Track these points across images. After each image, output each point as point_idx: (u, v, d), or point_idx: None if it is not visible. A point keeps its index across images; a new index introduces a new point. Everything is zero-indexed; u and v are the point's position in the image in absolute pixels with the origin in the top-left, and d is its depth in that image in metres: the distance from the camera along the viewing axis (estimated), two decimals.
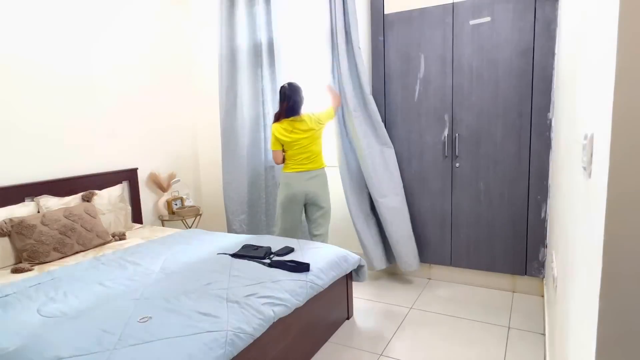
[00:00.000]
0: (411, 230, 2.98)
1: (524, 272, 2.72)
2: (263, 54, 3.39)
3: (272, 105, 3.39)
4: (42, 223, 2.45)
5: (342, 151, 3.08)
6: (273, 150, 2.92)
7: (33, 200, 2.68)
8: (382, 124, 2.94)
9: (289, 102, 2.84)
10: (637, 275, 0.62)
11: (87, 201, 2.87)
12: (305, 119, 2.85)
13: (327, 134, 3.11)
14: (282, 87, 2.89)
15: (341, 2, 2.90)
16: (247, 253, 2.32)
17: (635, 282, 0.62)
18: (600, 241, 0.65)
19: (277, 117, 2.90)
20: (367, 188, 3.06)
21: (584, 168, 0.86)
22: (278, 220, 3.06)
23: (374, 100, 2.94)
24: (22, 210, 2.54)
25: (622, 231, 0.62)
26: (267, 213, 3.59)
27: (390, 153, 2.97)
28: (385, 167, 2.97)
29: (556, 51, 2.43)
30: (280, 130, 2.85)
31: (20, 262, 2.40)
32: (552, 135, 2.50)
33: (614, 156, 0.62)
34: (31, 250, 2.37)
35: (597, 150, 0.75)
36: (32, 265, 2.34)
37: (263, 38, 3.38)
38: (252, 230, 3.62)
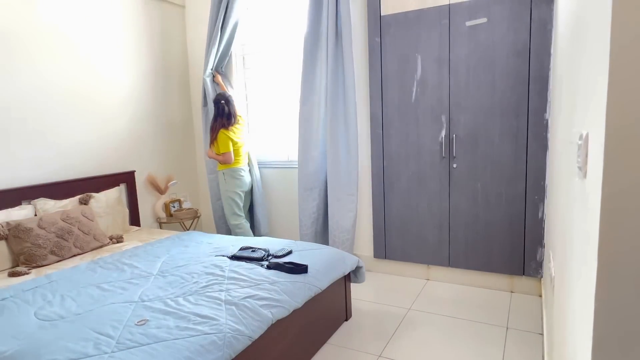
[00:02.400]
0: (352, 233, 3.17)
1: (522, 273, 2.73)
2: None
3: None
4: (39, 226, 2.45)
5: (305, 150, 3.22)
6: (227, 152, 3.29)
7: (30, 204, 2.67)
8: (355, 129, 3.05)
9: (231, 114, 3.31)
10: (632, 276, 0.62)
11: (85, 204, 2.86)
12: (241, 122, 3.46)
13: (291, 134, 3.58)
14: (220, 103, 3.28)
15: (334, 5, 2.92)
16: (245, 255, 2.32)
17: (630, 282, 0.63)
18: (595, 241, 0.65)
19: (223, 125, 3.29)
20: (319, 187, 3.24)
21: (580, 168, 0.86)
22: (239, 212, 3.45)
23: (355, 106, 3.02)
24: (19, 213, 2.54)
25: (616, 231, 0.63)
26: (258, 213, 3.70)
27: (354, 154, 3.08)
28: (347, 170, 3.11)
29: (552, 51, 2.44)
30: (232, 135, 3.33)
31: (17, 266, 2.39)
32: (549, 135, 2.50)
33: (608, 156, 0.62)
34: (28, 253, 2.37)
35: (592, 150, 0.75)
36: (30, 269, 2.33)
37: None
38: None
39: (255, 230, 3.67)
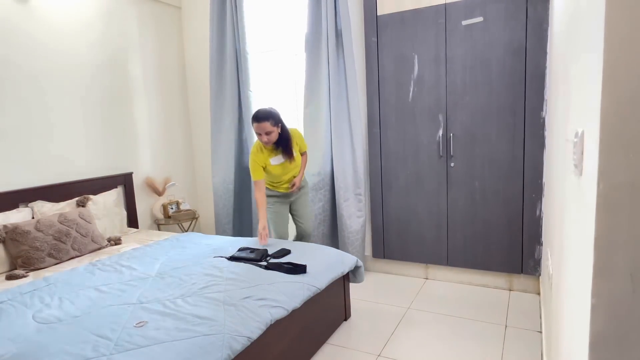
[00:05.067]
0: (363, 234, 3.14)
1: (520, 271, 2.73)
2: (250, 59, 3.45)
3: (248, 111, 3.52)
4: (37, 229, 2.44)
5: (310, 151, 3.20)
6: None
7: (27, 206, 2.66)
8: (361, 129, 3.04)
9: None
10: (628, 272, 0.63)
11: (82, 206, 2.85)
12: None
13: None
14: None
15: (333, 4, 2.93)
16: (243, 255, 2.32)
17: (626, 278, 0.63)
18: (591, 238, 0.66)
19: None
20: (324, 188, 3.22)
21: (576, 165, 0.86)
22: None
23: (358, 105, 3.01)
24: (16, 216, 2.53)
25: (612, 228, 0.63)
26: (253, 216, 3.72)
27: (361, 154, 3.07)
28: (353, 169, 3.10)
29: (548, 50, 2.45)
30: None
31: (15, 269, 2.38)
32: (546, 133, 2.51)
33: (603, 153, 0.63)
34: (25, 256, 2.36)
35: (587, 147, 0.75)
36: (27, 272, 2.33)
37: (252, 42, 3.43)
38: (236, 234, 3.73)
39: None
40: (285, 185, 2.76)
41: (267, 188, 2.76)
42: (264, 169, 2.65)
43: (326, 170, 3.19)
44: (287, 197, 2.82)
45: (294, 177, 2.77)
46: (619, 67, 0.60)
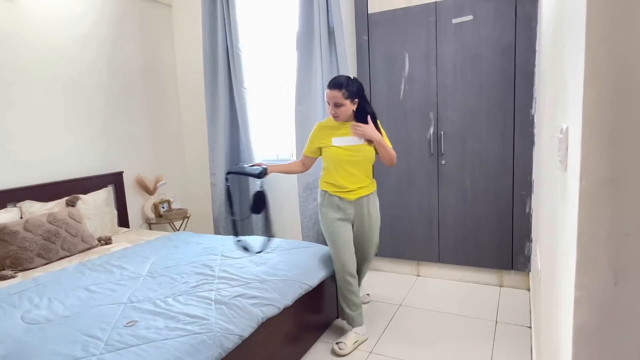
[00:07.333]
0: None
1: (511, 267, 2.76)
2: (243, 57, 3.42)
3: (245, 109, 3.48)
4: (25, 229, 2.41)
5: (302, 149, 3.18)
6: None
7: (15, 206, 2.63)
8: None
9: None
10: (610, 265, 0.64)
11: (72, 206, 2.82)
12: None
13: (280, 132, 3.40)
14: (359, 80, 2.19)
15: (325, 3, 2.92)
16: (241, 171, 2.31)
17: (607, 271, 0.64)
18: (575, 232, 0.67)
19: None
20: (317, 188, 3.17)
21: (561, 161, 0.88)
22: None
23: None
24: (5, 216, 2.49)
25: (594, 222, 0.64)
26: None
27: None
28: None
29: (537, 48, 2.47)
30: None
31: (3, 269, 2.35)
32: (535, 131, 2.54)
33: (585, 149, 0.63)
34: (14, 256, 2.33)
35: (571, 143, 0.76)
36: (16, 272, 2.30)
37: (244, 40, 3.40)
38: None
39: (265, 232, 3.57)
40: (348, 188, 2.18)
41: (326, 192, 2.23)
42: (320, 151, 2.23)
43: (319, 169, 3.18)
44: (349, 210, 2.21)
45: (357, 183, 2.18)
46: (601, 64, 0.61)
